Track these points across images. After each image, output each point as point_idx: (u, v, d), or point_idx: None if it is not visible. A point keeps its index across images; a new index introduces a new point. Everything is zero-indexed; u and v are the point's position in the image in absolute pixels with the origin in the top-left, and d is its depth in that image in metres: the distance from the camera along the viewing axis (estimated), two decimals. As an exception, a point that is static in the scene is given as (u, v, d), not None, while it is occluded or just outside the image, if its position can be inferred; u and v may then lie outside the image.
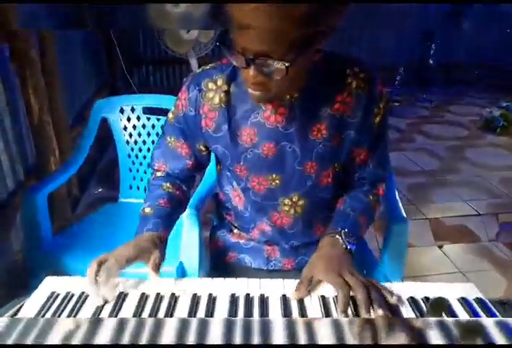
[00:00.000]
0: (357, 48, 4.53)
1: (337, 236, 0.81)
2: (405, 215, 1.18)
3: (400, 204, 1.23)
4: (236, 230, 1.02)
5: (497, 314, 0.67)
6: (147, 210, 0.87)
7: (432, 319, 0.59)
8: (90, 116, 1.54)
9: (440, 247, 2.13)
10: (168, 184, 0.93)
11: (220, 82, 0.83)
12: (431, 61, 4.47)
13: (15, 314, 0.70)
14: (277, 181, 0.87)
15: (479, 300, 0.71)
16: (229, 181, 0.95)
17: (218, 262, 1.02)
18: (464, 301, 0.70)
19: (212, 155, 0.96)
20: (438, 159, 3.18)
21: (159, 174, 0.96)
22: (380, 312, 0.65)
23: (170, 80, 4.37)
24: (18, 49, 1.64)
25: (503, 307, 0.70)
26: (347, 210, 0.88)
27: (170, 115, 0.92)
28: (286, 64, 0.64)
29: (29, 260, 1.37)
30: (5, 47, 1.62)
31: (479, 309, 0.68)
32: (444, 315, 0.61)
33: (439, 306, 0.54)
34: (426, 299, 0.70)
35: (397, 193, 1.28)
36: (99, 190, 2.54)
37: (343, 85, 0.80)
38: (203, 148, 0.91)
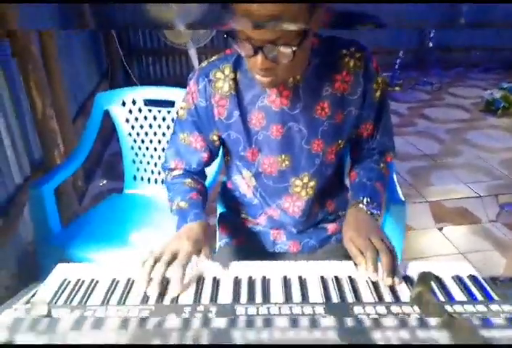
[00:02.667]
0: (357, 33, 4.49)
1: (360, 205, 0.86)
2: (402, 197, 1.21)
3: (398, 187, 1.25)
4: (243, 215, 1.06)
5: (489, 290, 0.70)
6: (182, 204, 0.89)
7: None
8: (92, 109, 1.57)
9: (440, 229, 2.16)
10: (190, 180, 0.96)
11: (227, 71, 0.86)
12: (430, 45, 4.42)
13: (29, 300, 0.73)
14: (287, 162, 0.91)
15: (471, 277, 0.74)
16: (238, 170, 0.99)
17: (228, 245, 1.05)
18: (458, 279, 0.74)
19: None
20: (439, 142, 3.19)
21: (176, 173, 0.98)
22: (395, 279, 0.71)
23: (169, 71, 4.36)
24: (19, 45, 1.66)
25: (495, 283, 0.73)
26: (363, 180, 0.93)
27: (181, 112, 0.94)
28: (294, 48, 0.68)
29: (39, 252, 1.41)
30: (6, 43, 1.64)
31: (472, 287, 0.72)
32: (435, 288, 0.64)
33: (426, 280, 0.58)
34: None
35: (395, 175, 1.31)
36: (104, 182, 2.57)
37: (341, 65, 0.85)
38: (215, 139, 0.94)
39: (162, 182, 1.65)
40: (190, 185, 0.94)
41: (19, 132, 1.74)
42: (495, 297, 0.68)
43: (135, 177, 1.67)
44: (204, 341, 0.52)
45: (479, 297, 0.69)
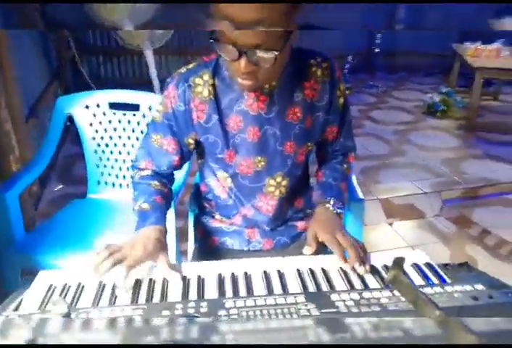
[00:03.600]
0: (309, 38, 4.65)
1: (327, 205, 0.96)
2: (361, 195, 1.32)
3: (357, 186, 1.37)
4: (217, 216, 1.10)
5: (442, 274, 0.81)
6: (145, 206, 0.91)
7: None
8: (54, 113, 1.54)
9: (391, 224, 2.33)
10: (156, 182, 0.98)
11: (206, 77, 0.91)
12: (376, 50, 4.68)
13: (17, 307, 0.74)
14: (262, 163, 0.97)
15: (427, 264, 0.85)
16: (212, 172, 1.03)
17: (204, 246, 1.10)
18: (416, 266, 0.84)
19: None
20: (386, 143, 3.40)
21: (144, 173, 1.00)
22: (366, 266, 0.81)
23: (121, 71, 4.27)
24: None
25: (447, 268, 0.84)
26: (329, 180, 1.03)
27: (156, 114, 0.97)
28: (276, 53, 0.74)
29: (2, 258, 1.37)
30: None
31: (428, 272, 0.82)
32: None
33: (399, 263, 0.67)
34: (385, 267, 0.84)
35: (354, 176, 1.42)
36: (60, 186, 2.50)
37: (310, 73, 0.93)
38: (191, 142, 0.98)
39: (128, 186, 1.65)
40: (156, 188, 0.97)
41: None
42: (448, 280, 0.79)
43: (99, 182, 1.66)
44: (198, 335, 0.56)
45: (435, 281, 0.79)
